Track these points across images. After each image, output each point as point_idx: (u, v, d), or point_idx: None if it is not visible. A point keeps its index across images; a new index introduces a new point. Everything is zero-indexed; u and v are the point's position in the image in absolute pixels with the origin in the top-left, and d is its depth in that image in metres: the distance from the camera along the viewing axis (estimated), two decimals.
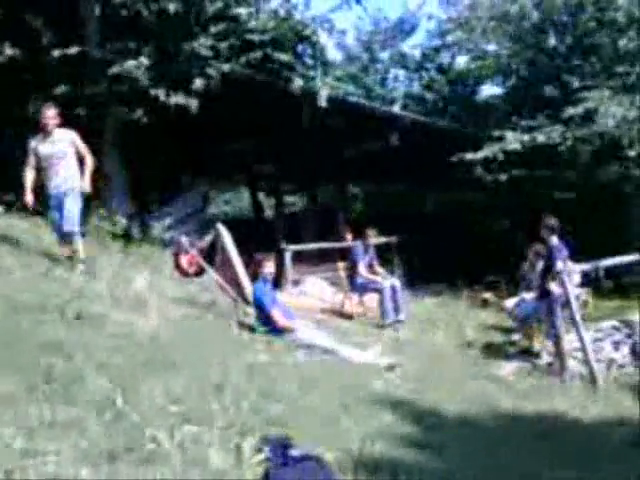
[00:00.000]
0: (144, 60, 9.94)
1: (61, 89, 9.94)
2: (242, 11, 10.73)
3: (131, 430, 3.16)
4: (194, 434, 3.27)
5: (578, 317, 7.42)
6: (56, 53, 9.92)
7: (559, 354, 7.58)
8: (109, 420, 3.26)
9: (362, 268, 9.76)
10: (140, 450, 2.97)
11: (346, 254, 10.75)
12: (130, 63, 9.84)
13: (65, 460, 2.68)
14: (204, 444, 3.20)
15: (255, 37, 11.14)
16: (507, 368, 7.64)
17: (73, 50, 9.79)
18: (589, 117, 12.14)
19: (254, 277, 7.21)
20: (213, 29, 10.68)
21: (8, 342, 3.99)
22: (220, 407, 3.80)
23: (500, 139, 12.66)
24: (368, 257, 9.93)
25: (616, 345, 8.09)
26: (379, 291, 9.45)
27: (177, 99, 10.04)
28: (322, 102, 10.92)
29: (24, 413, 3.02)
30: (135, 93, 10.18)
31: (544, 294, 7.69)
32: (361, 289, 9.80)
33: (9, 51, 9.84)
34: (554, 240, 7.76)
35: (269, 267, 7.26)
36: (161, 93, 10.07)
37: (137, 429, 3.18)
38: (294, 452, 3.39)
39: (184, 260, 8.00)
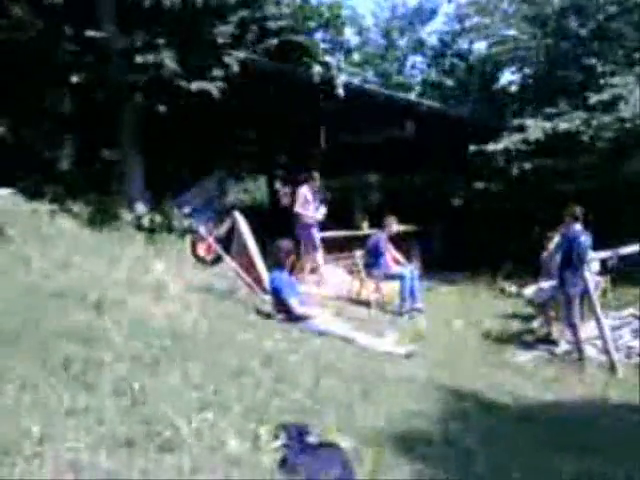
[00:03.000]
0: (167, 52, 9.95)
1: (79, 77, 9.95)
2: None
3: (149, 416, 3.18)
4: (212, 421, 3.28)
5: (597, 305, 7.35)
6: (72, 41, 9.95)
7: (577, 342, 7.53)
8: (127, 406, 3.27)
9: (388, 258, 9.70)
10: (158, 437, 2.98)
11: (363, 242, 10.70)
12: (158, 55, 9.86)
13: (83, 446, 2.69)
14: (221, 430, 3.21)
15: (273, 24, 11.10)
16: (526, 356, 7.60)
17: (92, 34, 9.78)
18: (613, 103, 11.90)
19: (276, 264, 7.19)
20: (233, 17, 10.65)
21: (28, 328, 4.02)
22: (238, 394, 3.81)
23: (521, 128, 12.47)
24: (390, 246, 9.89)
25: (635, 333, 8.00)
26: (400, 278, 9.42)
27: (199, 85, 10.03)
28: (339, 90, 10.84)
29: (43, 399, 3.04)
30: (156, 82, 10.18)
31: (563, 282, 7.63)
32: (380, 277, 9.72)
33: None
34: (577, 227, 7.69)
35: (293, 256, 7.30)
36: (182, 81, 10.08)
37: (155, 415, 3.19)
38: (311, 439, 3.40)
39: (202, 247, 8.05)
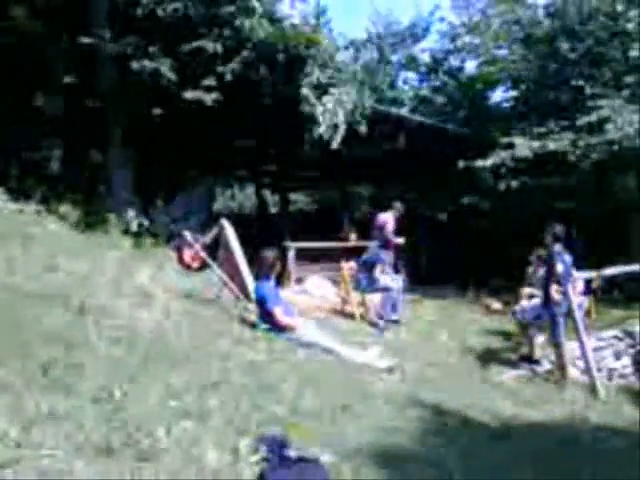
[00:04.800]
0: (164, 60, 9.96)
1: (69, 79, 9.94)
2: (246, 23, 10.67)
3: (128, 424, 3.15)
4: (191, 431, 3.26)
5: (580, 325, 7.38)
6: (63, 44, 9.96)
7: (560, 362, 7.55)
8: (107, 413, 3.24)
9: (379, 270, 9.72)
10: (136, 446, 2.95)
11: (351, 254, 10.72)
12: (155, 63, 9.85)
13: (60, 453, 2.66)
14: (201, 441, 3.18)
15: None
16: (507, 374, 7.61)
17: (85, 40, 9.78)
18: (600, 125, 12.04)
19: (262, 274, 7.17)
20: (227, 30, 10.67)
21: (9, 331, 3.98)
22: (219, 404, 3.78)
23: (509, 146, 12.60)
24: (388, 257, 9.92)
25: (617, 355, 8.05)
26: (386, 290, 9.45)
27: (193, 94, 10.05)
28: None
29: (21, 404, 3.00)
30: (150, 88, 10.18)
31: (547, 301, 7.66)
32: (368, 289, 9.72)
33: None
34: (557, 247, 7.73)
35: (279, 266, 7.30)
36: (175, 88, 10.09)
37: (135, 424, 3.16)
38: (291, 452, 3.38)
39: (188, 254, 8.01)
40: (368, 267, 9.73)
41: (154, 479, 2.72)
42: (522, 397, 6.46)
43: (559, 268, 7.51)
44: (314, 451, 3.51)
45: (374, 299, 9.70)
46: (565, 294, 7.48)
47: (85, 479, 2.57)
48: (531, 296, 8.90)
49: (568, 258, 7.74)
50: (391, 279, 9.79)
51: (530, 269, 9.17)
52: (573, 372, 7.56)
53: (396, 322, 9.30)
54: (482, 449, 4.60)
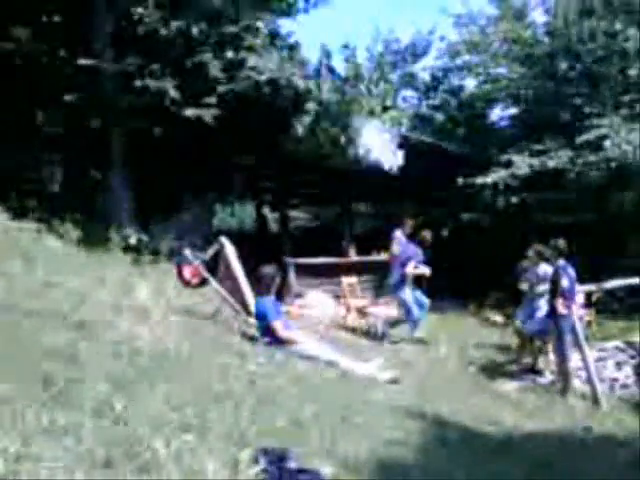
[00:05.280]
0: (168, 79, 10.06)
1: (72, 97, 10.01)
2: (251, 61, 10.81)
3: (128, 438, 3.14)
4: (191, 444, 3.25)
5: (582, 337, 7.40)
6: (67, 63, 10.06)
7: (563, 374, 7.53)
8: (107, 427, 3.24)
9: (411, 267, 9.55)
10: (136, 459, 2.94)
11: (351, 269, 10.73)
12: (159, 82, 9.95)
13: (60, 466, 2.66)
14: (201, 454, 3.18)
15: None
16: (510, 385, 7.60)
17: (85, 62, 9.88)
18: (599, 143, 12.13)
19: (262, 291, 7.18)
20: (229, 51, 10.78)
21: (9, 347, 3.98)
22: (219, 417, 3.78)
23: (508, 164, 12.67)
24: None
25: (619, 365, 8.05)
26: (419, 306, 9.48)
27: (193, 112, 10.13)
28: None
29: (21, 417, 3.00)
30: (151, 106, 10.25)
31: (553, 314, 7.63)
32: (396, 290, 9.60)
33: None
34: (561, 262, 7.74)
35: (278, 280, 7.32)
36: (176, 107, 10.17)
37: (135, 437, 3.16)
38: (291, 465, 3.37)
39: (187, 271, 8.02)
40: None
41: None
42: (524, 408, 6.46)
43: (564, 283, 7.51)
44: (315, 463, 3.51)
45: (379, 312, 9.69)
46: (569, 308, 7.48)
47: None
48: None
49: (572, 272, 7.74)
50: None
51: (525, 262, 9.09)
52: (575, 383, 7.55)
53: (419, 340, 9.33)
54: (484, 460, 4.59)
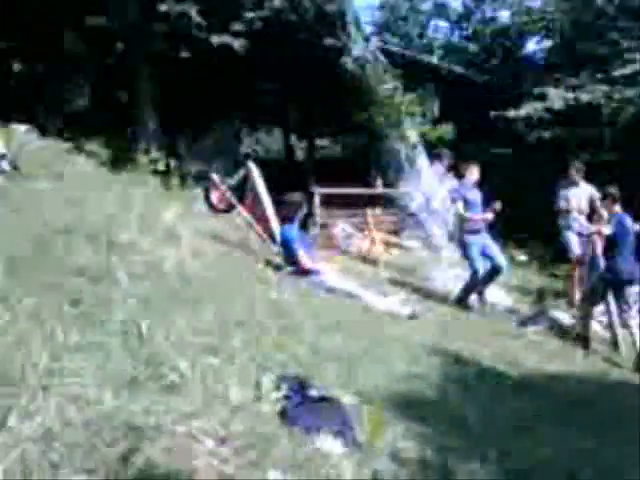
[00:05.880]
0: (192, 3, 9.80)
1: (96, 20, 9.84)
2: None
3: (154, 358, 3.20)
4: (215, 367, 3.31)
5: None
6: None
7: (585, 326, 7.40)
8: (133, 346, 3.30)
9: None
10: (162, 379, 3.00)
11: (377, 201, 10.63)
12: (183, 5, 9.70)
13: (88, 382, 2.72)
14: (224, 377, 3.24)
15: None
16: (530, 327, 7.59)
17: None
18: (635, 78, 11.74)
19: (287, 217, 7.18)
20: None
21: (39, 265, 4.04)
22: (242, 342, 3.83)
23: (542, 97, 12.31)
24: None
25: None
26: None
27: (221, 39, 9.90)
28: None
29: (50, 334, 3.06)
30: (177, 31, 10.04)
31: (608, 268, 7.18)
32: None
33: None
34: (617, 209, 7.22)
35: (304, 210, 7.29)
36: (203, 33, 9.94)
37: (160, 358, 3.22)
38: (312, 392, 3.43)
39: (214, 196, 8.04)
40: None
41: (179, 410, 2.77)
42: (544, 350, 6.46)
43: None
44: (334, 393, 3.56)
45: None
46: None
47: (112, 406, 2.63)
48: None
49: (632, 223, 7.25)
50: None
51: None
52: (597, 328, 7.53)
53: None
54: (501, 399, 4.63)
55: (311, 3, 10.70)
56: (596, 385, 5.55)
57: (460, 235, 8.27)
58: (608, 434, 4.36)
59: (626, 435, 4.37)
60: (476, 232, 7.99)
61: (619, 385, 5.71)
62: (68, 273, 3.92)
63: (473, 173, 8.38)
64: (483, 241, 8.03)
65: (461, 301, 7.92)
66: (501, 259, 8.12)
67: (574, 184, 9.00)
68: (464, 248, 8.12)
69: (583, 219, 8.83)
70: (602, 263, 7.45)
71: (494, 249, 8.12)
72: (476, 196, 8.21)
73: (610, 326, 7.25)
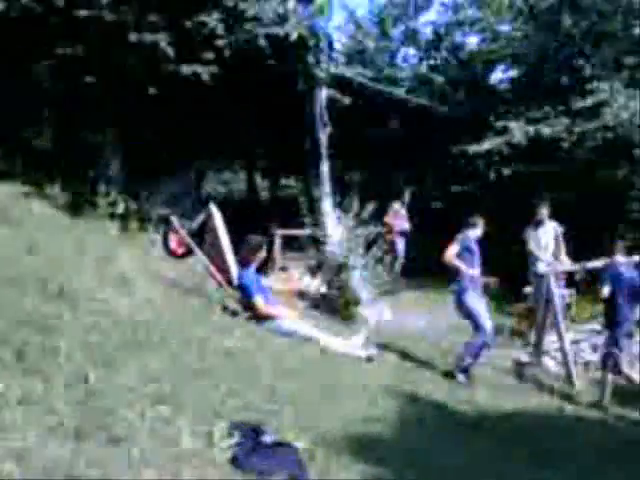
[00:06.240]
0: (162, 33, 9.80)
1: (65, 50, 9.78)
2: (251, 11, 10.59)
3: (102, 409, 3.17)
4: (165, 417, 3.29)
5: (560, 317, 7.45)
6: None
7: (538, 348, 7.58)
8: (80, 398, 3.26)
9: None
10: (109, 430, 2.98)
11: None
12: (157, 36, 9.70)
13: (32, 436, 2.69)
14: (175, 427, 3.22)
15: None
16: (486, 365, 7.63)
17: (83, 13, 9.61)
18: (597, 110, 11.89)
19: (244, 261, 7.19)
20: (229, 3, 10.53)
21: None
22: (195, 390, 3.82)
23: (504, 131, 12.45)
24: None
25: (594, 348, 8.13)
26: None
27: (190, 68, 9.89)
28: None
29: None
30: (145, 63, 10.01)
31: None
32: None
33: None
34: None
35: (263, 253, 7.30)
36: (172, 64, 9.93)
37: (108, 408, 3.19)
38: (265, 438, 3.42)
39: (173, 240, 8.00)
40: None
41: (126, 460, 2.75)
42: (499, 387, 6.52)
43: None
44: (290, 439, 3.56)
45: None
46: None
47: (55, 458, 2.60)
48: None
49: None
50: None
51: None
52: (550, 364, 7.63)
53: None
54: (457, 438, 4.67)
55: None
56: (551, 421, 5.62)
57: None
58: (564, 470, 4.43)
59: (581, 469, 4.45)
60: (475, 288, 7.07)
61: (574, 421, 5.78)
62: (15, 324, 3.85)
63: (479, 228, 7.42)
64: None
65: (465, 371, 6.67)
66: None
67: (541, 223, 9.23)
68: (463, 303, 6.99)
69: (549, 256, 9.03)
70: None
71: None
72: (476, 251, 7.25)
73: (565, 363, 7.36)
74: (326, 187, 11.48)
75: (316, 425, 3.98)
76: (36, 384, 3.17)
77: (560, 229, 9.21)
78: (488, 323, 6.85)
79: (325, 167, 11.74)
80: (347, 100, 11.61)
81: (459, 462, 4.11)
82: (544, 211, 9.32)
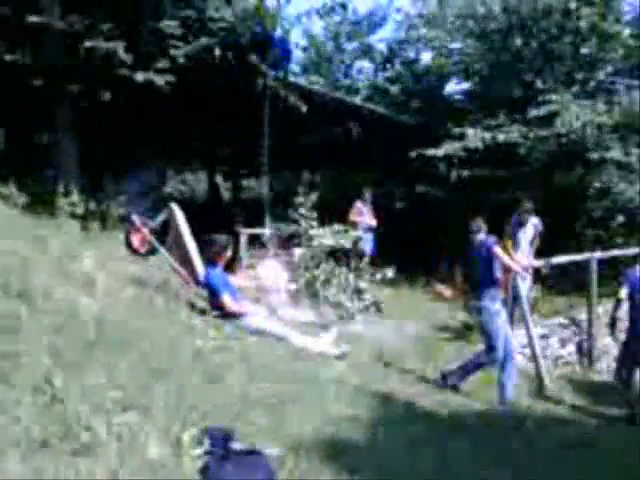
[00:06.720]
0: (118, 40, 9.64)
1: (15, 56, 9.56)
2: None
3: (67, 417, 3.03)
4: (132, 423, 3.15)
5: (527, 313, 7.47)
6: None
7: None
8: (44, 404, 3.12)
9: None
10: (74, 439, 2.84)
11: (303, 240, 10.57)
12: (109, 42, 9.54)
13: None
14: (142, 434, 3.09)
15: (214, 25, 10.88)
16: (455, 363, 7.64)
17: (34, 19, 9.40)
18: (550, 119, 12.28)
19: (211, 260, 7.06)
20: (181, 12, 10.44)
21: None
22: (163, 394, 3.67)
23: (461, 137, 12.72)
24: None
25: (563, 342, 8.19)
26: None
27: (144, 76, 9.77)
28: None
29: None
30: (99, 69, 9.86)
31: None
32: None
33: None
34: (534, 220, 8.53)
35: (229, 252, 7.18)
36: (127, 70, 9.79)
37: (73, 416, 3.05)
38: (236, 445, 3.31)
39: (135, 239, 7.82)
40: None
41: (92, 471, 2.62)
42: (472, 386, 6.49)
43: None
44: (261, 442, 3.45)
45: None
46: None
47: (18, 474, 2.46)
48: None
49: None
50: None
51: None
52: (520, 359, 7.66)
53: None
54: (431, 440, 4.62)
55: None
56: (517, 420, 5.60)
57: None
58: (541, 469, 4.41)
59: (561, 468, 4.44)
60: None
61: (546, 419, 5.79)
62: None
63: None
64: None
65: (455, 387, 6.32)
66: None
67: (523, 225, 9.22)
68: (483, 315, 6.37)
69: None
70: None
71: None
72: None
73: (533, 358, 7.38)
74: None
75: (287, 428, 3.89)
76: None
77: (540, 227, 9.22)
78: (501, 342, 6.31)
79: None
80: (304, 108, 11.65)
81: (430, 465, 4.04)
82: (527, 209, 9.25)
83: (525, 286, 8.07)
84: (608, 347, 8.06)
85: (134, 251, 7.80)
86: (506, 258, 6.41)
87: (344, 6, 19.84)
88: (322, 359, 6.11)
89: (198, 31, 10.57)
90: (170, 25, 10.11)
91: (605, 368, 7.87)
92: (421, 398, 5.63)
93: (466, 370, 6.40)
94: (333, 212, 11.07)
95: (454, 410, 5.50)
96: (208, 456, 3.08)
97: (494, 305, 6.28)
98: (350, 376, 5.70)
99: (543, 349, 7.71)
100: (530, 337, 7.41)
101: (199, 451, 3.08)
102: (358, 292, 9.43)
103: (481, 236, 6.45)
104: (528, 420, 5.48)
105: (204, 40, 10.44)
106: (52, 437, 2.80)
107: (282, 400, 4.40)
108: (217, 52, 10.63)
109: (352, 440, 4.12)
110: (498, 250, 6.30)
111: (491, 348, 6.29)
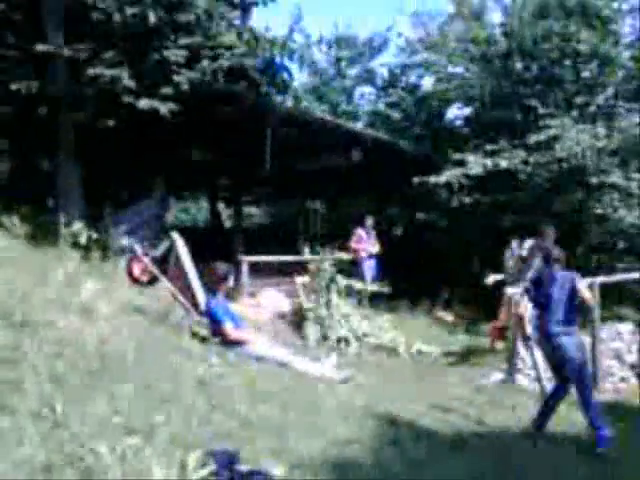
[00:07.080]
0: (122, 67, 9.75)
1: (19, 85, 9.66)
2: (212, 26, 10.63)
3: (70, 442, 3.04)
4: (136, 447, 3.15)
5: (532, 334, 7.45)
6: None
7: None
8: (48, 430, 3.12)
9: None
10: (78, 464, 2.84)
11: (306, 269, 10.63)
12: (113, 70, 9.65)
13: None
14: (146, 458, 3.09)
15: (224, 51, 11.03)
16: (462, 385, 7.61)
17: (40, 47, 9.52)
18: (550, 144, 12.31)
19: (212, 288, 7.09)
20: (186, 40, 10.58)
21: None
22: (166, 419, 3.68)
23: (461, 163, 12.77)
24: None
25: None
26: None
27: (147, 103, 9.84)
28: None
29: None
30: (102, 96, 9.95)
31: None
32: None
33: None
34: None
35: (231, 281, 7.21)
36: (130, 97, 9.87)
37: (77, 441, 3.06)
38: (241, 467, 3.31)
39: (137, 268, 7.86)
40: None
41: None
42: (475, 407, 6.47)
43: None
44: (266, 464, 3.45)
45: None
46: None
47: None
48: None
49: None
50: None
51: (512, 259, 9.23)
52: (524, 381, 7.63)
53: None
54: (436, 459, 4.60)
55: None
56: (528, 441, 5.58)
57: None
58: None
59: None
60: None
61: (547, 442, 5.74)
62: None
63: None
64: None
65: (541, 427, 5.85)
66: None
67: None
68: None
69: None
70: None
71: None
72: None
73: (538, 380, 7.35)
74: None
75: (292, 450, 3.89)
76: (2, 416, 3.02)
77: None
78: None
79: None
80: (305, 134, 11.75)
81: None
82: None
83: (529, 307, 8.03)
84: (613, 369, 8.07)
85: (135, 280, 7.84)
86: (588, 294, 5.81)
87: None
88: (325, 383, 6.10)
89: (203, 56, 10.66)
90: (175, 52, 10.19)
91: (610, 388, 7.84)
92: (424, 419, 5.60)
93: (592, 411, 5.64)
94: (334, 239, 11.16)
95: (458, 429, 5.48)
96: (214, 478, 3.07)
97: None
98: (353, 399, 5.69)
99: (547, 370, 7.66)
100: (534, 358, 7.39)
101: (204, 473, 3.08)
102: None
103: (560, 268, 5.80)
104: (532, 441, 5.46)
105: (208, 64, 10.52)
106: (56, 461, 2.80)
107: (286, 424, 4.40)
108: (221, 76, 10.71)
109: (356, 461, 4.10)
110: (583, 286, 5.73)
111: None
